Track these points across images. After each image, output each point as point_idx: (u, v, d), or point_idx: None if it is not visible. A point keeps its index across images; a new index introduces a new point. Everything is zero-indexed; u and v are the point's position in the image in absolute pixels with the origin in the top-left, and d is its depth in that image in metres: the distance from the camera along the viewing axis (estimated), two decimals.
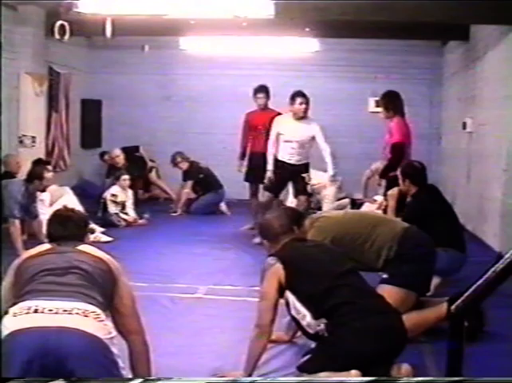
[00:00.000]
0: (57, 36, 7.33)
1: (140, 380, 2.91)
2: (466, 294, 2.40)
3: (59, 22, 7.23)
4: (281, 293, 3.58)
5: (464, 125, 8.73)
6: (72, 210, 3.56)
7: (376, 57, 10.65)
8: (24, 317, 2.71)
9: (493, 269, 2.35)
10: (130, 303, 3.16)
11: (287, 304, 3.61)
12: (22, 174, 7.15)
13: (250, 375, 3.51)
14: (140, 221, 8.85)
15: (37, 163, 7.55)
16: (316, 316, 3.46)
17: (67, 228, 3.27)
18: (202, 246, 7.29)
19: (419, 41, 9.96)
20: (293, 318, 3.64)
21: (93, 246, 3.27)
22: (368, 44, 10.15)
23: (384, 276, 4.32)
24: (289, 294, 3.56)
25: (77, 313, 2.76)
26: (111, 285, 3.09)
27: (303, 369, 3.45)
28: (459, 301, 2.39)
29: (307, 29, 8.55)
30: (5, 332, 2.67)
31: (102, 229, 7.90)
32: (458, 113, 9.40)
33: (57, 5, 7.26)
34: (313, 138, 7.63)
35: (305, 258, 3.68)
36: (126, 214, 8.77)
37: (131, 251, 6.95)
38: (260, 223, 3.97)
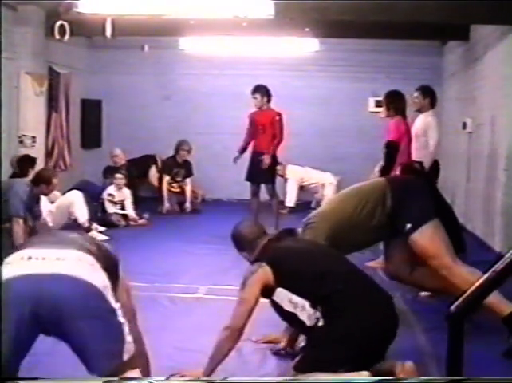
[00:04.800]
0: (57, 36, 7.33)
1: (140, 380, 2.89)
2: (466, 294, 2.39)
3: (59, 22, 7.23)
4: (268, 293, 3.57)
5: (464, 125, 8.73)
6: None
7: (376, 57, 10.65)
8: (17, 264, 2.66)
9: (493, 269, 2.35)
10: (128, 310, 3.00)
11: (275, 305, 3.60)
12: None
13: (209, 375, 3.47)
14: (140, 221, 8.86)
15: (23, 160, 7.58)
16: (313, 304, 3.46)
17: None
18: (202, 246, 7.29)
19: (419, 41, 9.96)
20: (289, 318, 3.61)
21: None
22: (368, 44, 10.14)
23: (408, 226, 4.32)
24: (281, 293, 3.53)
25: (70, 259, 2.70)
26: (114, 270, 2.96)
27: (298, 368, 3.42)
28: (459, 301, 2.38)
29: (307, 29, 8.54)
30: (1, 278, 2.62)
31: (102, 228, 7.94)
32: (458, 113, 9.40)
33: (57, 5, 7.26)
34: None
35: (290, 252, 3.72)
36: (125, 214, 8.78)
37: (131, 251, 6.95)
38: (231, 236, 3.96)
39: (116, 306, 2.73)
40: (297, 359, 3.44)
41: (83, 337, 2.59)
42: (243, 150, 8.41)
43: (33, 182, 6.85)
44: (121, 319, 2.71)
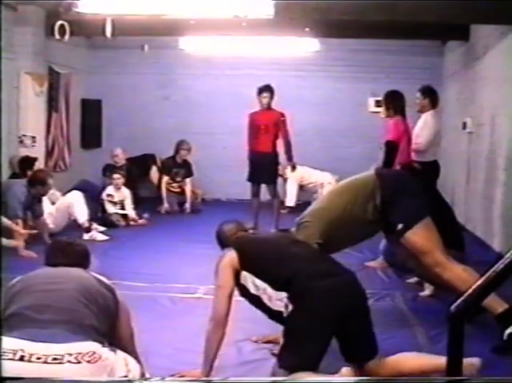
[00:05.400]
0: (57, 36, 7.32)
1: (140, 380, 2.90)
2: (466, 294, 2.39)
3: (59, 22, 7.23)
4: (236, 280, 3.62)
5: (464, 125, 8.73)
6: (74, 241, 3.47)
7: (376, 57, 10.65)
8: (9, 363, 2.50)
9: (493, 269, 2.34)
10: (128, 336, 3.09)
11: (244, 291, 3.64)
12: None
13: (209, 370, 3.50)
14: (140, 221, 8.85)
15: (24, 161, 7.64)
16: (275, 288, 3.50)
17: (68, 256, 3.12)
18: (202, 246, 7.27)
19: (419, 41, 9.96)
20: (254, 300, 3.63)
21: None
22: (368, 44, 10.15)
23: (399, 226, 4.32)
24: (246, 276, 3.59)
25: (69, 361, 2.57)
26: (113, 308, 2.99)
27: (285, 366, 3.35)
28: (459, 301, 2.38)
29: (307, 29, 8.54)
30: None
31: (102, 228, 7.94)
32: (458, 113, 9.40)
33: (57, 5, 7.26)
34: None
35: (255, 240, 3.95)
36: (125, 214, 8.77)
37: (131, 251, 6.96)
38: (215, 235, 4.04)
39: (121, 371, 2.73)
40: (282, 357, 3.40)
41: None
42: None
43: (29, 183, 6.87)
44: (125, 371, 2.76)
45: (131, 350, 3.09)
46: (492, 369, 3.66)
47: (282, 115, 8.20)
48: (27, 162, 7.67)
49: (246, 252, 3.70)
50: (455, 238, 5.36)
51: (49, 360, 2.54)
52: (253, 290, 3.59)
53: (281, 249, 3.73)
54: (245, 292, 3.66)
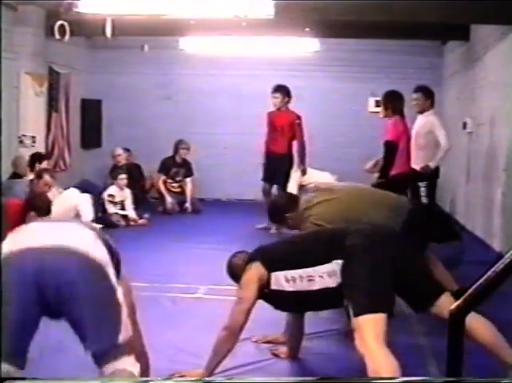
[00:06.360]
0: (57, 36, 7.33)
1: (139, 380, 2.90)
2: (466, 294, 2.40)
3: (59, 22, 7.23)
4: (266, 288, 3.57)
5: (464, 125, 8.74)
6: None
7: (376, 57, 10.65)
8: (21, 235, 2.76)
9: (493, 269, 2.35)
10: (129, 310, 2.99)
11: (277, 300, 3.60)
12: None
13: (209, 375, 3.48)
14: (140, 221, 8.85)
15: (34, 156, 7.67)
16: (312, 264, 3.45)
17: None
18: (202, 246, 7.29)
19: (419, 41, 9.96)
20: (291, 301, 3.58)
21: None
22: (368, 44, 10.15)
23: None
24: (277, 276, 3.51)
25: (74, 232, 2.81)
26: (117, 264, 2.97)
27: (358, 310, 3.24)
28: (459, 301, 2.39)
29: (307, 29, 8.55)
30: (5, 250, 2.64)
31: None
32: (458, 113, 9.40)
33: (57, 5, 7.27)
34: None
35: (273, 242, 3.93)
36: (126, 214, 8.77)
37: (131, 251, 6.94)
38: (227, 272, 3.99)
39: (117, 285, 2.72)
40: (353, 305, 3.29)
41: (79, 311, 2.58)
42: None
43: (30, 181, 6.89)
44: (120, 299, 2.69)
45: (133, 329, 2.98)
46: (491, 362, 3.67)
47: (298, 117, 8.15)
48: (36, 157, 7.70)
49: (269, 251, 3.71)
50: (449, 230, 5.33)
51: (56, 231, 2.81)
52: (290, 287, 3.49)
53: (301, 233, 3.88)
54: (280, 297, 3.58)
